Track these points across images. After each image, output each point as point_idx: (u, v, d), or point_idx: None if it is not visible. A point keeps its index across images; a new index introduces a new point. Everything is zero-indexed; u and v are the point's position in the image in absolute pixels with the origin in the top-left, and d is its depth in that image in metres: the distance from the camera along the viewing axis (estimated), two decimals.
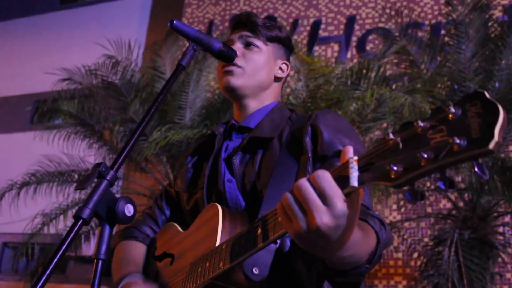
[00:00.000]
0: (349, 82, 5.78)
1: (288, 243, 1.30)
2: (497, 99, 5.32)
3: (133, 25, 9.65)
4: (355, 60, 7.73)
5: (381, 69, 5.82)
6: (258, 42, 1.60)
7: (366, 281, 1.59)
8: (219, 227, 1.27)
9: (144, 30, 9.80)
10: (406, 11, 7.07)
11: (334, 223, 0.86)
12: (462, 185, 5.59)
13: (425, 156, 0.70)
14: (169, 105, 6.46)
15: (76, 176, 6.56)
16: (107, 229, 1.07)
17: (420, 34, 7.11)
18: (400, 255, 6.70)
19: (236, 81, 1.54)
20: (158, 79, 6.56)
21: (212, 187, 1.49)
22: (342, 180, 0.85)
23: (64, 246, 0.98)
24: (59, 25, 10.53)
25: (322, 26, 8.80)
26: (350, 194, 0.86)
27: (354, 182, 0.83)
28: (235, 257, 1.12)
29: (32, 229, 6.35)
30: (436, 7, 8.11)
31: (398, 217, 6.73)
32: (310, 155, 1.34)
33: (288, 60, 1.70)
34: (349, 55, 8.39)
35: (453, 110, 0.70)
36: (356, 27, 8.59)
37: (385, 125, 5.87)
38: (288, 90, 6.04)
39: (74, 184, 6.46)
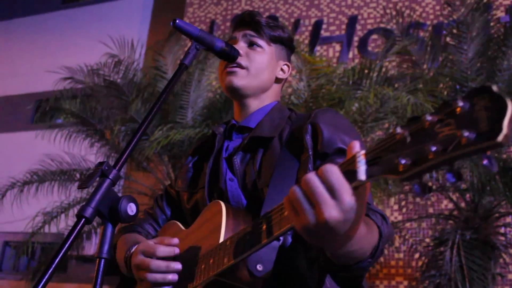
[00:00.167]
0: (350, 82, 5.77)
1: (290, 240, 1.31)
2: None
3: (135, 24, 9.65)
4: (356, 60, 7.74)
5: (383, 69, 5.81)
6: (261, 42, 1.60)
7: (367, 281, 1.59)
8: (223, 224, 1.27)
9: (145, 29, 9.81)
10: (407, 11, 7.07)
11: (342, 217, 0.87)
12: (464, 186, 5.58)
13: (434, 149, 0.71)
14: (170, 105, 6.46)
15: (77, 175, 6.56)
16: (109, 228, 1.07)
17: (421, 34, 7.15)
18: (401, 255, 6.69)
19: (239, 81, 1.54)
20: (160, 78, 6.55)
21: (213, 186, 1.50)
22: (349, 174, 0.86)
23: (66, 245, 0.98)
24: (61, 25, 10.53)
25: (324, 26, 8.80)
26: (357, 188, 0.87)
27: (362, 175, 0.84)
28: (239, 253, 1.12)
29: (33, 228, 6.34)
30: (437, 7, 8.10)
31: (400, 218, 6.72)
32: (310, 153, 1.35)
33: (289, 61, 1.71)
34: (350, 55, 8.39)
35: (461, 103, 0.70)
36: (358, 27, 8.58)
37: (386, 125, 5.86)
38: (290, 90, 6.04)
39: (76, 183, 6.46)
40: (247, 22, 1.62)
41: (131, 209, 1.08)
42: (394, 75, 6.18)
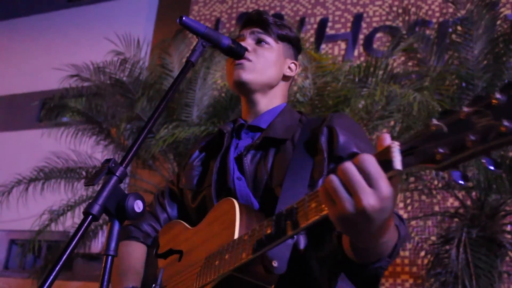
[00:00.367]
0: (356, 80, 5.75)
1: (302, 240, 1.32)
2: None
3: (140, 23, 9.64)
4: (362, 58, 7.72)
5: (389, 67, 5.79)
6: (269, 40, 1.61)
7: None
8: (237, 220, 1.26)
9: (151, 28, 9.81)
10: (413, 9, 7.01)
11: (379, 205, 0.87)
12: (470, 184, 5.56)
13: (473, 138, 0.73)
14: (176, 103, 6.45)
15: (83, 173, 6.57)
16: (116, 226, 1.07)
17: (427, 32, 7.09)
18: (407, 253, 6.67)
19: (247, 75, 1.55)
20: (166, 76, 6.55)
21: (221, 185, 1.50)
22: (384, 164, 0.87)
23: (73, 243, 0.98)
24: (66, 24, 10.54)
25: (329, 24, 8.76)
26: (391, 179, 0.88)
27: (398, 165, 0.85)
28: (260, 247, 1.11)
29: (40, 226, 6.35)
30: (443, 5, 8.06)
31: (405, 216, 6.67)
32: (325, 156, 1.37)
33: (297, 60, 1.72)
34: (356, 53, 8.35)
35: (498, 96, 0.72)
36: (363, 25, 8.54)
37: (392, 123, 5.85)
38: (296, 88, 6.03)
39: (82, 181, 6.47)
40: (255, 20, 1.64)
41: (138, 206, 1.07)
42: (400, 73, 6.16)
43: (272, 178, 1.41)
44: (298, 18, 8.99)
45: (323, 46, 8.55)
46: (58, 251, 6.59)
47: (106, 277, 1.03)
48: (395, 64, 6.32)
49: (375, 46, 8.30)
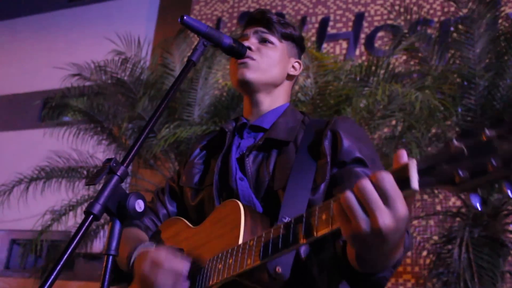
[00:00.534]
0: (358, 79, 5.74)
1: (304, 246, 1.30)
2: (508, 97, 5.33)
3: (141, 22, 9.63)
4: (363, 58, 7.73)
5: (390, 66, 5.77)
6: (273, 39, 1.61)
7: None
8: (242, 223, 1.25)
9: (152, 27, 9.79)
10: (415, 8, 7.01)
11: (395, 226, 0.87)
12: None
13: (495, 163, 0.72)
14: (177, 102, 6.44)
15: (85, 172, 6.55)
16: (117, 225, 1.07)
17: (429, 31, 7.04)
18: (408, 253, 6.62)
19: (251, 74, 1.54)
20: (167, 76, 6.53)
21: (222, 185, 1.49)
22: (401, 182, 0.86)
23: (74, 242, 0.98)
24: (67, 23, 10.53)
25: (331, 23, 8.74)
26: (406, 198, 0.87)
27: (415, 184, 0.83)
28: (266, 255, 1.10)
29: (42, 226, 6.34)
30: (445, 4, 8.04)
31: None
32: (329, 159, 1.36)
33: (300, 59, 1.72)
34: (357, 52, 8.33)
35: None
36: (365, 24, 8.52)
37: (394, 122, 5.84)
38: (297, 87, 6.01)
39: (83, 180, 6.46)
40: (258, 19, 1.64)
41: (139, 205, 1.07)
42: (401, 72, 6.14)
43: (274, 180, 1.40)
44: (299, 17, 8.96)
45: (324, 45, 8.52)
46: (59, 250, 6.57)
47: (107, 277, 1.03)
48: (396, 63, 6.31)
49: (376, 45, 8.28)
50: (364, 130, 1.56)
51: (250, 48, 1.55)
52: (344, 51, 8.44)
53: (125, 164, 1.10)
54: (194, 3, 9.70)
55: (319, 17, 8.87)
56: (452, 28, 6.27)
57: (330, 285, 1.31)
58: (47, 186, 6.49)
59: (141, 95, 6.46)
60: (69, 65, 6.66)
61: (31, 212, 6.30)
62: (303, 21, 8.89)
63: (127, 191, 1.07)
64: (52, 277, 0.93)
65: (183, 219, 1.54)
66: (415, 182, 0.83)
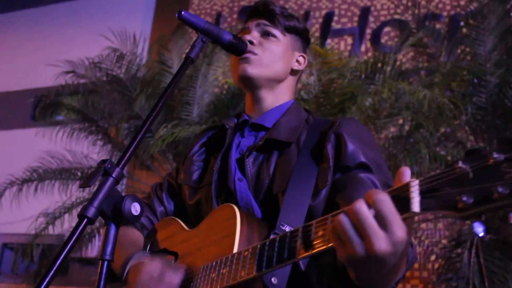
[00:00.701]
0: (363, 76, 5.66)
1: None
2: None
3: (138, 17, 9.54)
4: (369, 54, 7.64)
5: (397, 63, 5.70)
6: (276, 32, 1.56)
7: None
8: (237, 232, 1.22)
9: (149, 23, 9.72)
10: (423, 2, 6.91)
11: (392, 250, 0.85)
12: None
13: (500, 190, 0.69)
14: (175, 101, 6.36)
15: (79, 174, 6.46)
16: (112, 229, 1.06)
17: (438, 26, 6.99)
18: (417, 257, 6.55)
19: (252, 69, 1.49)
20: (164, 73, 6.44)
21: (221, 185, 1.46)
22: (401, 202, 0.83)
23: (68, 247, 0.97)
24: (61, 18, 10.40)
25: (335, 18, 8.59)
26: (406, 219, 0.85)
27: (416, 207, 0.80)
28: (262, 266, 1.08)
29: (36, 229, 6.24)
30: None
31: (415, 219, 6.58)
32: (331, 164, 1.33)
33: (305, 53, 1.68)
34: (363, 48, 8.21)
35: None
36: (371, 19, 8.38)
37: (401, 121, 5.74)
38: (300, 85, 5.92)
39: (77, 182, 6.38)
40: (261, 11, 1.59)
41: (135, 209, 1.06)
42: (409, 69, 6.09)
43: (273, 183, 1.37)
44: (302, 12, 8.83)
45: (328, 41, 8.39)
46: (52, 255, 6.46)
47: (102, 282, 1.02)
48: (404, 60, 6.27)
49: (383, 41, 8.14)
50: (370, 133, 1.49)
51: (251, 42, 1.51)
52: (349, 47, 8.30)
53: (120, 166, 1.09)
54: None
55: (323, 12, 8.71)
56: (462, 23, 6.19)
57: None
58: (40, 188, 6.38)
59: (138, 93, 6.39)
60: (63, 62, 6.55)
61: (23, 215, 6.21)
62: (307, 16, 8.75)
63: (124, 193, 1.02)
64: (45, 282, 0.92)
65: (179, 220, 1.51)
66: (415, 205, 0.80)
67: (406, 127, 5.66)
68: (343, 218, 0.87)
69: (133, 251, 1.41)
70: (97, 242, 6.32)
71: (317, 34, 8.21)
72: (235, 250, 1.20)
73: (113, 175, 1.06)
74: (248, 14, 1.64)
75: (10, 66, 10.23)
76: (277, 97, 1.56)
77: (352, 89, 5.45)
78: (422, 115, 5.21)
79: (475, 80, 5.55)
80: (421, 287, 6.60)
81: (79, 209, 6.14)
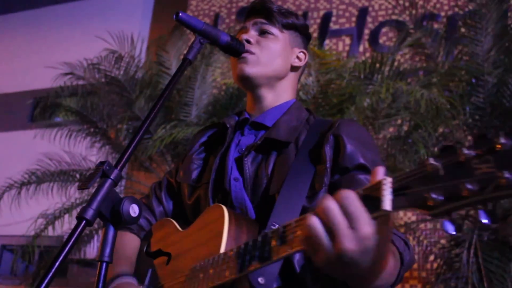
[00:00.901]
0: (361, 77, 5.65)
1: (297, 254, 1.26)
2: None
3: (136, 18, 9.51)
4: (367, 54, 7.61)
5: (395, 63, 5.70)
6: (273, 30, 1.56)
7: None
8: (225, 231, 1.22)
9: (147, 24, 9.69)
10: (421, 2, 6.91)
11: (359, 247, 0.83)
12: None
13: (469, 187, 0.68)
14: (174, 102, 6.35)
15: (77, 176, 6.45)
16: (111, 230, 1.06)
17: (435, 26, 6.99)
18: (415, 257, 6.55)
19: (250, 69, 1.51)
20: (163, 74, 6.43)
21: (218, 185, 1.46)
22: (372, 201, 0.81)
23: (67, 248, 0.97)
24: (59, 20, 10.37)
25: (333, 19, 8.57)
26: (379, 217, 0.82)
27: (387, 205, 0.79)
28: (244, 267, 1.07)
29: (35, 230, 6.23)
30: None
31: (413, 218, 6.59)
32: (328, 165, 1.32)
33: (306, 48, 1.66)
34: (361, 48, 8.19)
35: (503, 141, 0.67)
36: (369, 19, 8.35)
37: (399, 121, 5.74)
38: (298, 85, 5.90)
39: (76, 184, 6.36)
40: (258, 9, 1.59)
41: (134, 210, 1.06)
42: (407, 69, 6.07)
43: (271, 184, 1.36)
44: (300, 12, 8.78)
45: (326, 41, 8.37)
46: (51, 257, 6.46)
47: (101, 283, 1.02)
48: (402, 60, 6.29)
49: (381, 41, 8.12)
50: (370, 134, 1.48)
51: (248, 41, 1.51)
52: (347, 48, 8.28)
53: (118, 167, 1.10)
54: None
55: (321, 12, 8.69)
56: (460, 23, 6.19)
57: None
58: (39, 190, 6.37)
59: (137, 94, 6.39)
60: (61, 64, 6.53)
61: (21, 217, 6.19)
62: (304, 16, 8.71)
63: (122, 194, 1.00)
64: (44, 284, 0.92)
65: (173, 220, 1.51)
66: (387, 203, 0.79)
67: (405, 128, 5.65)
68: (314, 221, 0.86)
69: (121, 270, 1.42)
70: (95, 244, 6.30)
71: (315, 34, 8.18)
72: (222, 250, 1.19)
73: (112, 177, 1.07)
74: (246, 14, 1.63)
75: (8, 67, 10.20)
76: (278, 95, 1.55)
77: (350, 89, 5.45)
78: (421, 115, 5.21)
79: (473, 80, 5.53)
80: (420, 287, 6.60)
81: (78, 210, 6.16)
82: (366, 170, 1.30)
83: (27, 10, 10.81)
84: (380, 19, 8.31)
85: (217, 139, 1.58)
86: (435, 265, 5.65)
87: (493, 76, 5.37)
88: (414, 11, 6.27)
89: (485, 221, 0.69)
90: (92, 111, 6.56)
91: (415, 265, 6.59)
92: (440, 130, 5.56)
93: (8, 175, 6.46)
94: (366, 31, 8.31)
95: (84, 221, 1.00)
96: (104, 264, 1.04)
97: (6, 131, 9.63)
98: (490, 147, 0.68)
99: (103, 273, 1.03)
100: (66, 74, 6.62)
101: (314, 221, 0.86)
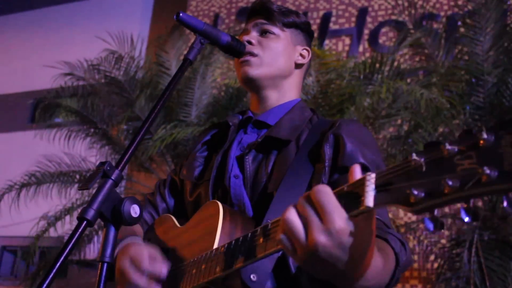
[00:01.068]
0: (361, 77, 5.65)
1: None
2: None
3: (136, 19, 9.51)
4: (367, 54, 7.61)
5: (395, 63, 5.68)
6: (274, 29, 1.56)
7: None
8: (218, 228, 1.23)
9: (147, 24, 9.68)
10: (420, 2, 6.88)
11: (331, 241, 0.82)
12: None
13: (450, 183, 0.67)
14: (174, 102, 6.35)
15: (77, 177, 6.44)
16: (112, 231, 1.06)
17: (435, 26, 6.98)
18: (416, 257, 6.52)
19: (254, 71, 1.49)
20: (162, 74, 6.42)
21: (219, 182, 1.47)
22: (354, 197, 0.81)
23: (67, 249, 0.96)
24: (59, 20, 10.37)
25: (333, 19, 8.56)
26: (361, 213, 0.81)
27: (370, 201, 0.78)
28: (232, 264, 1.07)
29: (37, 231, 6.24)
30: None
31: (414, 218, 6.56)
32: (327, 164, 1.32)
33: (309, 46, 1.66)
34: (361, 48, 8.19)
35: (485, 136, 0.65)
36: (368, 19, 8.35)
37: (399, 121, 5.74)
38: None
39: (76, 185, 6.36)
40: (258, 10, 1.59)
41: (135, 210, 1.06)
42: (406, 69, 6.06)
43: (269, 181, 1.37)
44: (300, 12, 8.82)
45: (326, 41, 8.37)
46: (51, 257, 6.45)
47: (102, 284, 1.02)
48: (401, 60, 6.21)
49: (380, 41, 8.12)
50: (371, 134, 1.47)
51: (250, 42, 1.52)
52: (347, 48, 8.28)
53: (119, 168, 1.09)
54: None
55: (321, 13, 8.69)
56: (459, 23, 6.17)
57: None
58: (39, 192, 6.36)
59: (137, 94, 6.38)
60: (61, 64, 6.53)
61: (22, 218, 6.20)
62: (304, 16, 8.75)
63: (122, 195, 1.02)
64: (45, 285, 0.92)
65: (172, 217, 1.52)
66: (369, 199, 0.78)
67: (405, 127, 5.65)
68: (292, 214, 0.86)
69: (127, 234, 1.43)
70: (96, 244, 6.30)
71: (315, 35, 8.19)
72: (215, 246, 1.20)
73: (112, 177, 1.06)
74: (247, 16, 1.64)
75: (8, 68, 10.19)
76: (282, 95, 1.55)
77: (350, 89, 5.45)
78: (420, 115, 5.21)
79: (473, 80, 5.52)
80: (420, 287, 6.59)
81: (78, 211, 6.18)
82: (366, 169, 1.27)
83: (27, 10, 10.80)
84: (380, 19, 8.31)
85: (221, 138, 1.58)
86: (435, 264, 5.64)
87: (492, 76, 5.36)
88: (413, 11, 6.25)
89: (466, 219, 0.68)
90: (92, 112, 6.55)
91: (416, 265, 6.57)
92: (440, 130, 5.55)
93: (9, 176, 6.46)
94: (366, 31, 8.31)
95: (85, 222, 1.00)
96: (105, 265, 1.03)
97: (6, 131, 9.63)
98: (473, 142, 0.66)
99: (104, 273, 1.02)
100: (66, 74, 6.61)
101: (291, 214, 0.86)
